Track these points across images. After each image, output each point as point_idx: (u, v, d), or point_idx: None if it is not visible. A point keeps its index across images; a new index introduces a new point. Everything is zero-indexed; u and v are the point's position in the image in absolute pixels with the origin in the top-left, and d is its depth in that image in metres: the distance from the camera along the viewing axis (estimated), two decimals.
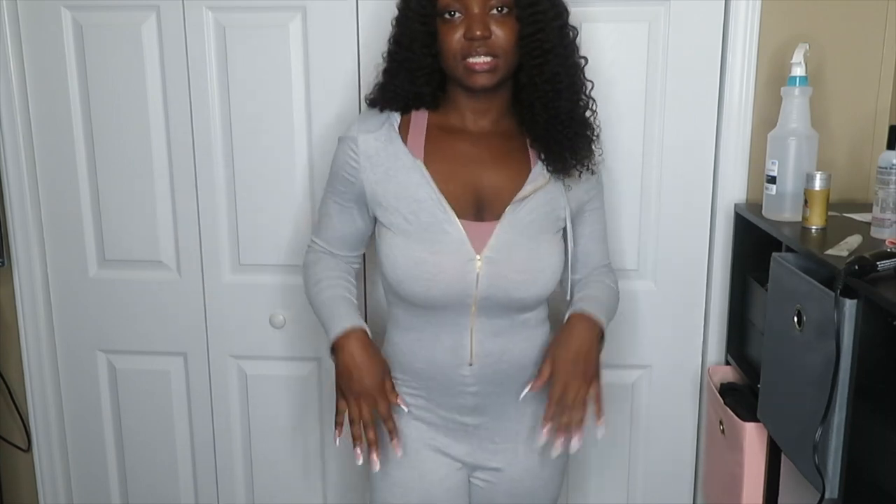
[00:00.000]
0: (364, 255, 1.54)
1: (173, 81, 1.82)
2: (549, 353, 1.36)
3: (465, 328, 1.34)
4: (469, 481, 1.47)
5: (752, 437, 1.53)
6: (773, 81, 1.67)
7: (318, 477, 2.02)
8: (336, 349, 1.35)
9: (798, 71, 1.53)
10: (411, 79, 1.35)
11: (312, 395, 1.96)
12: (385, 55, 1.39)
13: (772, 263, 1.40)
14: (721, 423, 1.65)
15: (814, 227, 1.44)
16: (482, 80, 1.28)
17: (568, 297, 1.46)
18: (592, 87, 1.39)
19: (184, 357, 1.98)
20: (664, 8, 1.69)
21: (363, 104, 1.51)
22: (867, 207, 1.47)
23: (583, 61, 1.37)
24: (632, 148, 1.75)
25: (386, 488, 1.42)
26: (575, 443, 1.34)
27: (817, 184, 1.43)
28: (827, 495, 1.21)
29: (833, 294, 1.14)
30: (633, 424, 1.91)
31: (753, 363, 1.64)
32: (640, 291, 1.82)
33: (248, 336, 1.94)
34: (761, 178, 1.60)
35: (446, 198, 1.31)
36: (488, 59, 1.27)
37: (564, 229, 1.39)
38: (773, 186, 1.54)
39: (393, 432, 1.35)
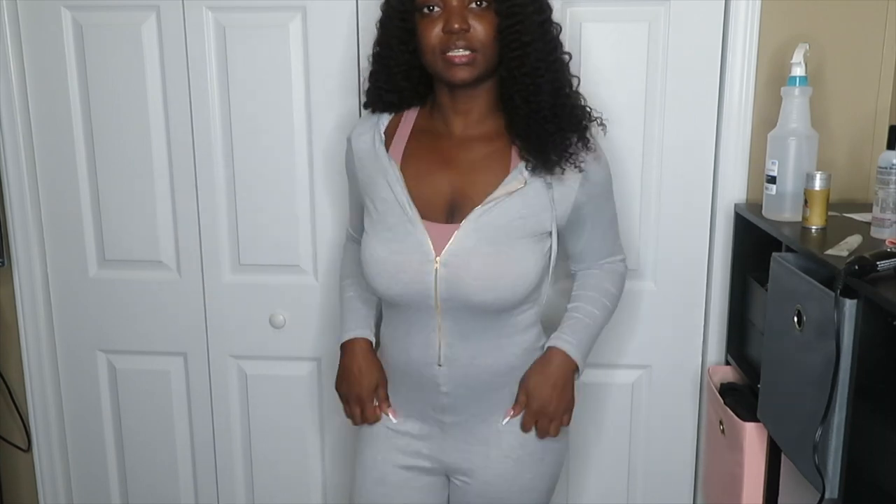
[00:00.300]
0: None
1: (173, 81, 1.82)
2: (525, 383, 1.39)
3: (433, 329, 1.34)
4: (449, 486, 1.48)
5: (752, 437, 1.53)
6: (773, 81, 1.67)
7: (318, 477, 2.02)
8: (342, 350, 1.48)
9: (798, 71, 1.53)
10: (391, 77, 1.37)
11: (312, 395, 1.96)
12: (370, 58, 1.41)
13: (772, 263, 1.40)
14: (721, 423, 1.65)
15: (814, 227, 1.44)
16: (461, 74, 1.28)
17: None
18: (579, 83, 1.37)
19: (184, 357, 1.98)
20: (664, 8, 1.69)
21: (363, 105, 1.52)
22: (867, 207, 1.47)
23: (567, 57, 1.35)
24: (632, 148, 1.75)
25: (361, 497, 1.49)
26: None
27: (817, 184, 1.43)
28: (827, 495, 1.21)
29: (833, 294, 1.14)
30: (633, 424, 1.91)
31: (753, 363, 1.64)
32: (640, 291, 1.82)
33: (248, 336, 1.94)
34: (761, 178, 1.60)
35: (418, 199, 1.32)
36: (467, 52, 1.27)
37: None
38: (773, 186, 1.54)
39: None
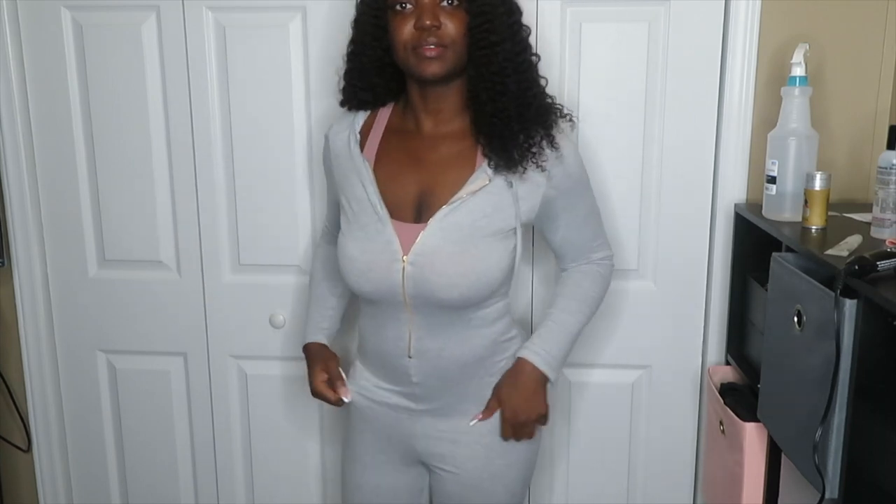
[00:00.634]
0: None
1: (173, 81, 1.82)
2: (498, 392, 1.44)
3: (404, 323, 1.39)
4: (430, 476, 1.54)
5: (752, 437, 1.53)
6: (773, 81, 1.67)
7: (318, 477, 2.02)
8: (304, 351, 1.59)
9: (798, 71, 1.53)
10: (365, 74, 1.41)
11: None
12: (344, 57, 1.45)
13: (772, 263, 1.40)
14: (721, 423, 1.65)
15: (814, 227, 1.44)
16: (432, 68, 1.31)
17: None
18: (547, 84, 1.41)
19: (184, 357, 1.98)
20: (664, 8, 1.69)
21: None
22: (867, 207, 1.47)
23: (535, 59, 1.39)
24: (632, 148, 1.75)
25: (348, 493, 1.59)
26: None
27: (817, 184, 1.43)
28: (827, 495, 1.21)
29: (833, 294, 1.14)
30: (633, 424, 1.91)
31: (753, 363, 1.64)
32: (640, 291, 1.82)
33: (248, 336, 1.94)
34: (761, 178, 1.60)
35: (388, 199, 1.37)
36: (438, 47, 1.30)
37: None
38: (773, 186, 1.54)
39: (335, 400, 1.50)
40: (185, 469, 2.05)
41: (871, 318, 1.13)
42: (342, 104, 1.48)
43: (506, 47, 1.32)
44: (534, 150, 1.35)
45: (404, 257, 1.34)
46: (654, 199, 1.78)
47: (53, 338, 2.02)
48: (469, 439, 1.46)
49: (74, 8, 1.81)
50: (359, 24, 1.40)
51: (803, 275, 1.27)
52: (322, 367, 1.52)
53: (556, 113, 1.40)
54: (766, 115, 1.68)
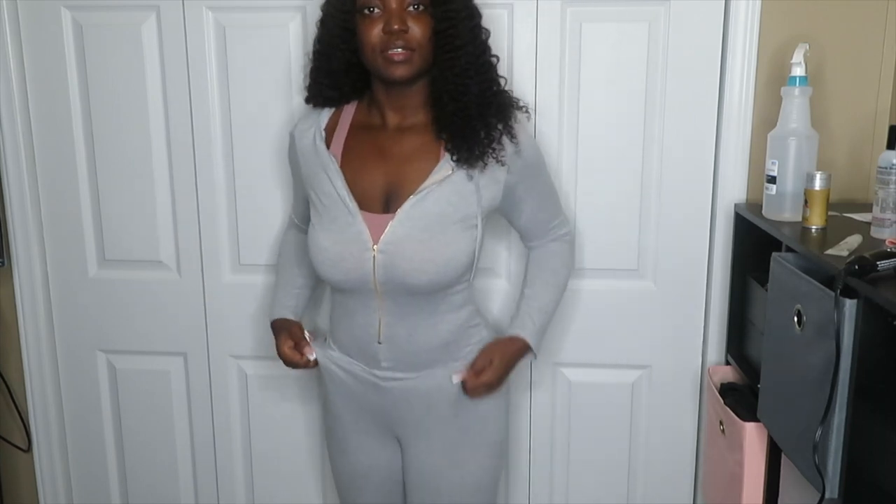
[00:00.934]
0: None
1: (173, 81, 1.82)
2: (489, 352, 1.50)
3: (374, 309, 1.45)
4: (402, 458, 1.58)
5: (752, 437, 1.53)
6: (773, 81, 1.67)
7: (318, 477, 2.02)
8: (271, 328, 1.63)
9: (798, 71, 1.53)
10: (332, 74, 1.46)
11: (312, 394, 1.96)
12: (309, 55, 1.49)
13: (772, 263, 1.40)
14: (721, 423, 1.65)
15: (814, 227, 1.44)
16: (400, 71, 1.37)
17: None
18: (506, 83, 1.47)
19: (184, 357, 1.98)
20: (664, 8, 1.69)
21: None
22: (867, 207, 1.47)
23: (494, 59, 1.45)
24: (632, 148, 1.75)
25: (336, 475, 1.67)
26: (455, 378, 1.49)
27: (817, 184, 1.43)
28: (827, 495, 1.21)
29: (833, 294, 1.14)
30: (633, 424, 1.91)
31: (753, 363, 1.64)
32: (640, 291, 1.82)
33: (248, 336, 1.94)
34: (761, 178, 1.60)
35: (356, 192, 1.42)
36: (405, 51, 1.36)
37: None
38: (773, 186, 1.54)
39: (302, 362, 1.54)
40: (185, 469, 2.05)
41: (871, 318, 1.13)
42: (307, 101, 1.52)
43: (468, 50, 1.39)
44: (494, 145, 1.41)
45: (374, 246, 1.39)
46: (654, 199, 1.78)
47: (53, 338, 2.02)
48: (437, 414, 1.50)
49: (74, 8, 1.81)
50: (326, 24, 1.44)
51: (803, 275, 1.27)
52: (286, 334, 1.56)
53: (513, 106, 1.47)
54: (766, 115, 1.68)
